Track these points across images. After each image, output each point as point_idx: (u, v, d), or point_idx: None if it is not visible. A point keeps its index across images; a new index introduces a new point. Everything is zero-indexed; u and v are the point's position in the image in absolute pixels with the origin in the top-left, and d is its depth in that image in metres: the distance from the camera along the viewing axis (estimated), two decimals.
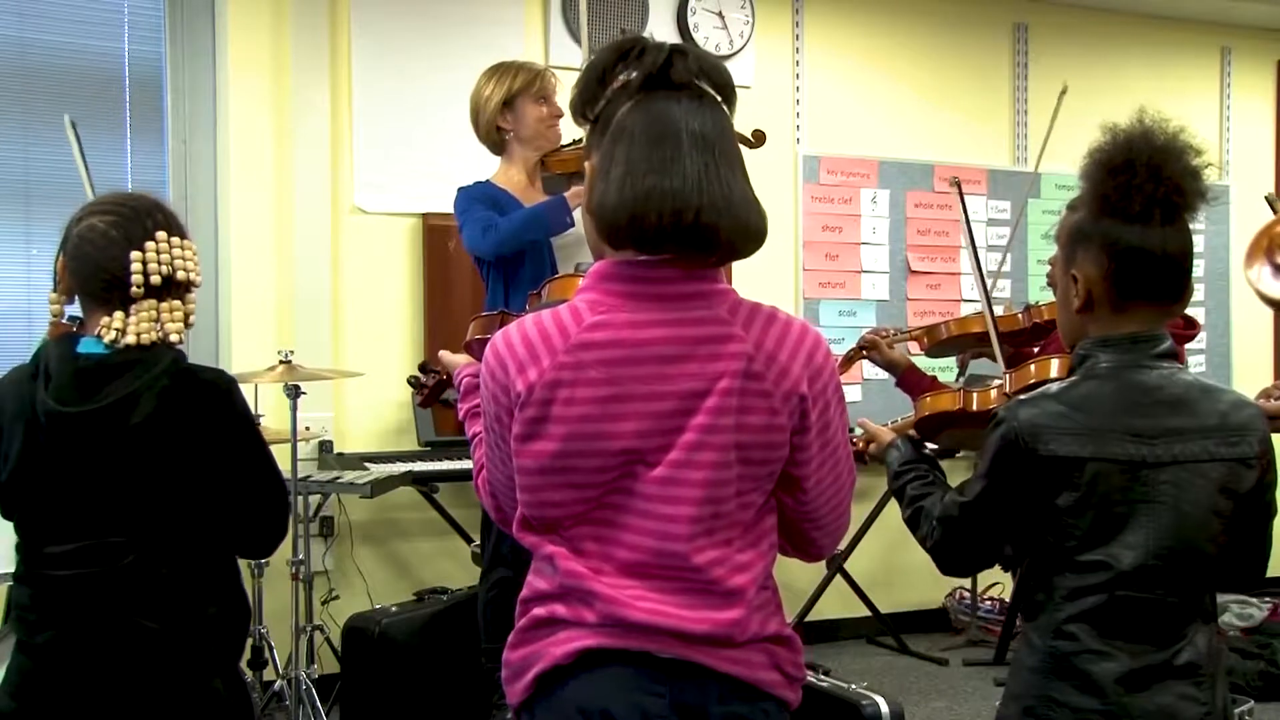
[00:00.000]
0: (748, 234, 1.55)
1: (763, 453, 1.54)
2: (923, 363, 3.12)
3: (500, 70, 3.29)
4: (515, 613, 1.63)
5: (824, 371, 1.57)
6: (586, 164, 1.61)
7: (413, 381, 2.61)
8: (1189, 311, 2.39)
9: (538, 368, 1.52)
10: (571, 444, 1.51)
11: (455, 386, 2.00)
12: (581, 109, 1.61)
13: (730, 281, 1.61)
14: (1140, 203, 1.71)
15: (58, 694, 1.88)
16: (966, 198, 5.44)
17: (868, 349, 2.97)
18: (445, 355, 2.19)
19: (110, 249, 1.91)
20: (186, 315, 1.98)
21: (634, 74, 1.56)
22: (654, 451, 1.51)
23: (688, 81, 1.56)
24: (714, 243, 1.52)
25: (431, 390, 2.52)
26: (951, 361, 3.82)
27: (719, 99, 1.59)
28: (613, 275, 1.56)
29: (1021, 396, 1.76)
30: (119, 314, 1.91)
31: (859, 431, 2.22)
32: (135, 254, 1.91)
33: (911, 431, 2.22)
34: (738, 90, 1.63)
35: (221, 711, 1.96)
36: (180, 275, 1.95)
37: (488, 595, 3.07)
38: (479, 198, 3.22)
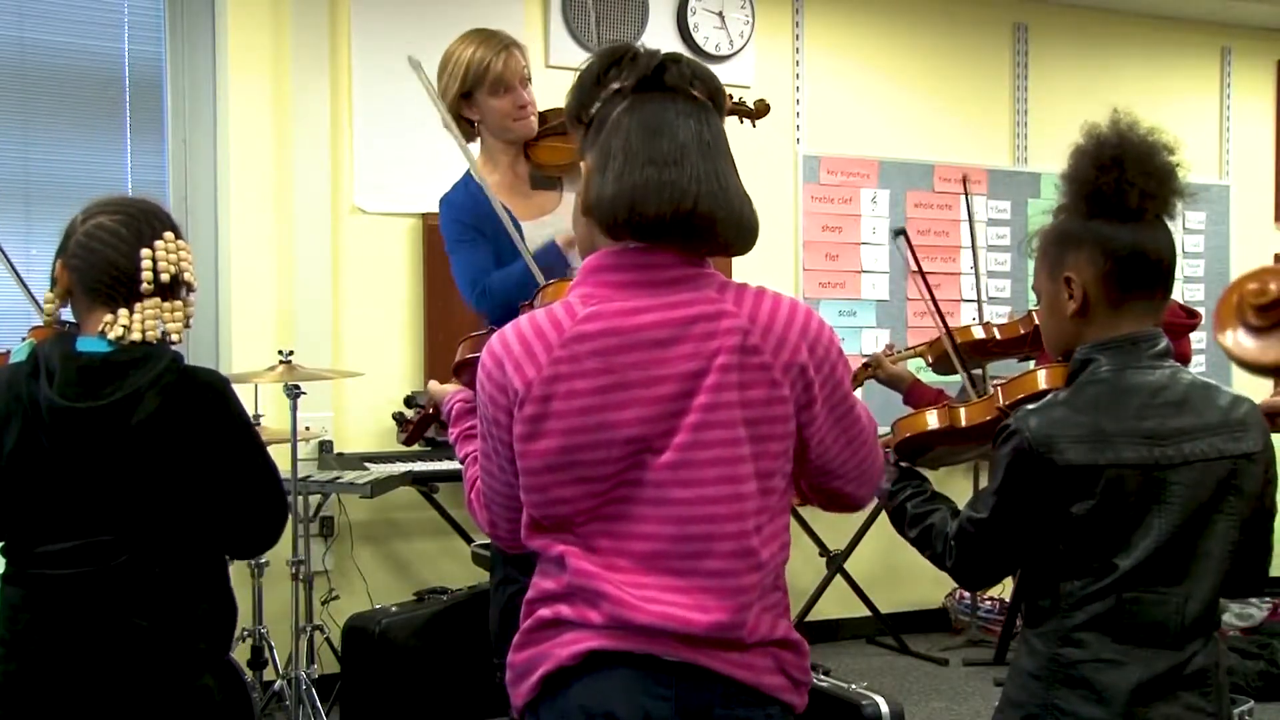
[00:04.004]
0: (741, 224, 1.57)
1: (769, 426, 1.54)
2: (930, 378, 3.11)
3: (453, 60, 2.89)
4: (520, 614, 1.62)
5: (822, 338, 1.58)
6: (582, 164, 1.62)
7: (398, 418, 2.49)
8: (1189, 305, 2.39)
9: (535, 364, 1.53)
10: (575, 437, 1.51)
11: (445, 415, 1.97)
12: (577, 112, 1.64)
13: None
14: (1135, 198, 1.72)
15: (47, 694, 1.88)
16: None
17: (872, 367, 2.98)
18: (434, 386, 2.10)
19: (121, 246, 1.93)
20: (186, 317, 2.00)
21: (628, 78, 1.59)
22: (660, 437, 1.51)
23: (680, 86, 1.59)
24: (710, 233, 1.55)
25: (416, 427, 2.36)
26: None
27: (711, 105, 1.62)
28: (603, 266, 1.58)
29: (1029, 406, 1.74)
30: (123, 311, 1.93)
31: None
32: (145, 251, 1.94)
33: (892, 455, 2.13)
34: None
35: (214, 708, 1.96)
36: (186, 276, 1.99)
37: (507, 605, 2.75)
38: (465, 224, 2.77)
